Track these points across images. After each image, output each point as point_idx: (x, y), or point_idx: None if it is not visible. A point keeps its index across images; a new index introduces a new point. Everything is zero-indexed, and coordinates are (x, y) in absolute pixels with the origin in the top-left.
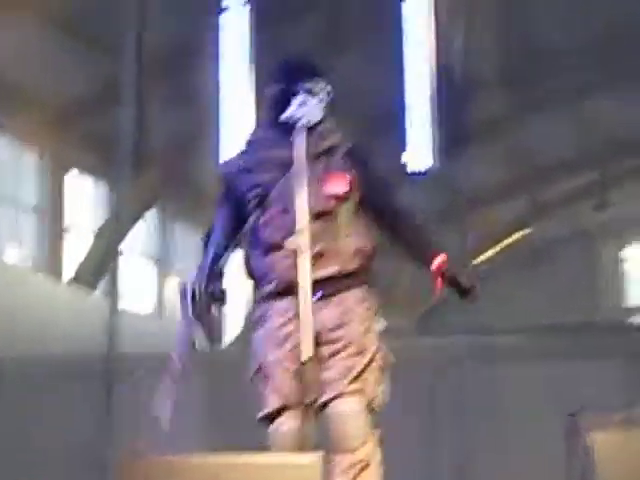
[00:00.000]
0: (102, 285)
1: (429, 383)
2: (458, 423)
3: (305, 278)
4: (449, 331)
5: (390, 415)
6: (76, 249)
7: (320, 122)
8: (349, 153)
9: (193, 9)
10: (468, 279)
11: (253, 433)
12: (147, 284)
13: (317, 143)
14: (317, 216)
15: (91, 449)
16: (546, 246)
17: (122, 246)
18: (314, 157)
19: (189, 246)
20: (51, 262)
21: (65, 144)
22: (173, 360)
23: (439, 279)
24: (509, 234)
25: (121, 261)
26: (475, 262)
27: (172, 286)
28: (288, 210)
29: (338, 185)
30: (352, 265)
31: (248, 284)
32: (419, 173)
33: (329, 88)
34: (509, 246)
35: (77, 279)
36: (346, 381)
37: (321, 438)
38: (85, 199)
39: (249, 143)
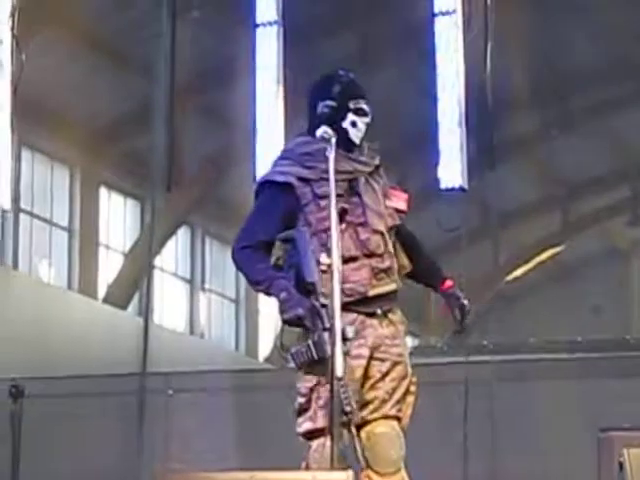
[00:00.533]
0: (134, 303)
1: (459, 402)
2: (489, 442)
3: (337, 294)
4: (479, 350)
5: (421, 433)
6: (109, 268)
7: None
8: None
9: (226, 27)
10: (462, 312)
11: (283, 452)
12: (178, 302)
13: (370, 161)
14: (387, 230)
15: (124, 467)
16: (578, 263)
17: (154, 264)
18: (370, 174)
19: (220, 265)
20: (84, 281)
21: (99, 164)
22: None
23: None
24: (541, 251)
25: (154, 279)
26: (507, 279)
27: (203, 304)
28: (362, 223)
29: (400, 201)
30: (399, 283)
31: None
32: (452, 189)
33: (370, 108)
34: (541, 263)
35: (110, 297)
36: (391, 402)
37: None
38: (118, 218)
39: (302, 154)
